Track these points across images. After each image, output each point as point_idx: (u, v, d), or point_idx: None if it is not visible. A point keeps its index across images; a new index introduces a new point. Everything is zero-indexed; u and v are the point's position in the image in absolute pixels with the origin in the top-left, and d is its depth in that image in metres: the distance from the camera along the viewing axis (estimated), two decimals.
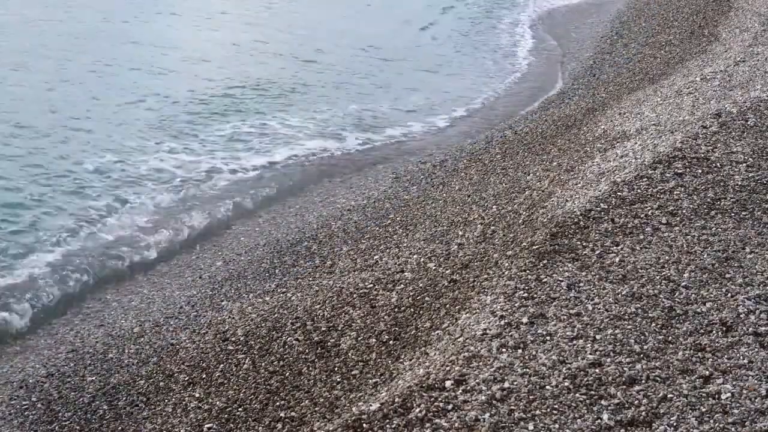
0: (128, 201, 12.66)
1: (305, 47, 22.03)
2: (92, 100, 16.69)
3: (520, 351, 6.40)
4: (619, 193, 9.11)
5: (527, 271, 7.60)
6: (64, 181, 13.02)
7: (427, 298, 8.38)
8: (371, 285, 9.15)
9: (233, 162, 14.51)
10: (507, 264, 8.00)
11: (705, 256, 7.80)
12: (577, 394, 5.91)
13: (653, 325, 6.73)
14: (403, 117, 17.59)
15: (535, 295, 7.17)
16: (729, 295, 7.17)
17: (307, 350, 8.17)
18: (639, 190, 9.15)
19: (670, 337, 6.57)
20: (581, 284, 7.33)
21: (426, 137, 16.71)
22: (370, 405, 6.14)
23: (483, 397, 5.89)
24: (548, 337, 6.56)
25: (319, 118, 16.85)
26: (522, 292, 7.25)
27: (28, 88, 16.78)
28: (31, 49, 19.28)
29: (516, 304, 7.05)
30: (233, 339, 8.82)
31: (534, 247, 8.06)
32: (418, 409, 5.87)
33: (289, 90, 18.41)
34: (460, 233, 10.10)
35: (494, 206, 10.74)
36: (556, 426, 5.64)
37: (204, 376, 8.34)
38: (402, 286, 8.94)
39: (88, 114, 15.90)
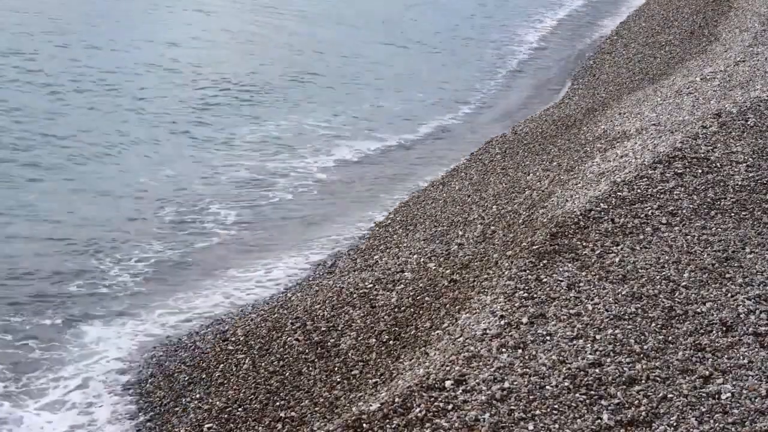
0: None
1: (306, 45, 22.00)
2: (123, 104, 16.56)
3: (520, 351, 6.40)
4: (619, 193, 9.11)
5: (527, 271, 7.60)
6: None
7: (427, 298, 8.38)
8: (371, 285, 9.15)
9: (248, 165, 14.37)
10: (507, 264, 8.00)
11: (705, 256, 7.81)
12: (577, 394, 5.91)
13: (653, 325, 6.74)
14: (422, 113, 17.48)
15: (535, 295, 7.17)
16: (729, 295, 7.17)
17: (307, 350, 8.16)
18: (639, 190, 9.15)
19: (670, 337, 6.57)
20: (581, 284, 7.33)
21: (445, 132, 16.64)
22: (370, 405, 6.14)
23: (483, 397, 5.89)
24: (548, 337, 6.56)
25: (329, 119, 16.75)
26: (522, 292, 7.25)
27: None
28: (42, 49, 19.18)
29: (516, 304, 7.05)
30: (233, 339, 8.82)
31: (534, 247, 8.05)
32: (418, 409, 5.87)
33: (299, 90, 18.32)
34: (460, 233, 10.10)
35: (494, 206, 10.74)
36: (556, 426, 5.64)
37: (204, 376, 8.34)
38: (402, 286, 8.93)
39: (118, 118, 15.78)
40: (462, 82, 19.85)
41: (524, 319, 6.80)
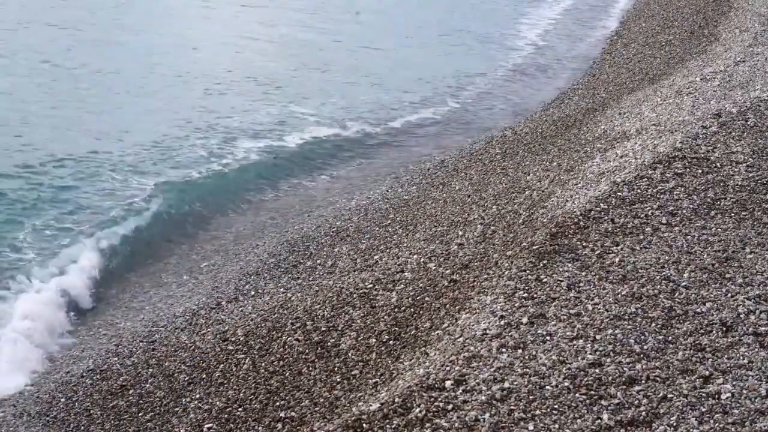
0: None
1: (304, 38, 22.01)
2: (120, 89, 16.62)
3: (520, 351, 6.40)
4: (619, 193, 9.11)
5: (527, 271, 7.60)
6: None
7: (427, 298, 8.38)
8: (371, 285, 9.15)
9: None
10: (507, 264, 8.00)
11: (705, 256, 7.80)
12: (577, 394, 5.91)
13: (653, 325, 6.74)
14: (411, 107, 17.43)
15: (535, 295, 7.17)
16: (729, 295, 7.17)
17: (307, 350, 8.17)
18: (639, 190, 9.15)
19: (670, 337, 6.57)
20: (581, 284, 7.33)
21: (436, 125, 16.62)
22: (370, 405, 6.15)
23: (483, 397, 5.89)
24: (548, 337, 6.56)
25: (323, 109, 16.68)
26: (522, 292, 7.25)
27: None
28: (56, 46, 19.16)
29: (516, 304, 7.05)
30: (233, 339, 8.82)
31: (534, 247, 8.06)
32: (418, 409, 5.87)
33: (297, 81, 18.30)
34: (460, 233, 10.10)
35: (494, 206, 10.74)
36: (556, 426, 5.64)
37: (204, 376, 8.34)
38: (402, 286, 8.94)
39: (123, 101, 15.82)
40: (462, 80, 19.84)
41: (524, 319, 6.80)
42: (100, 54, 19.01)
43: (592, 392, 5.93)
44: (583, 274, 7.50)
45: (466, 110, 17.69)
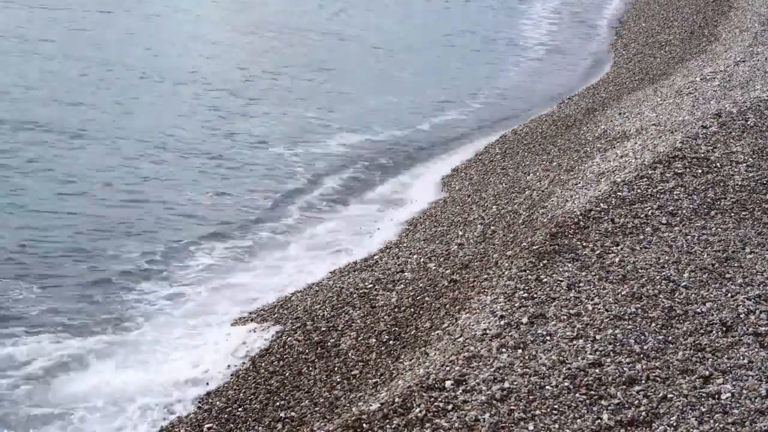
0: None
1: (309, 43, 21.98)
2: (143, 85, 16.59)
3: (520, 351, 6.40)
4: (619, 193, 9.11)
5: (527, 271, 7.60)
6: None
7: (427, 298, 8.38)
8: (371, 285, 9.15)
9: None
10: (507, 264, 8.00)
11: (705, 256, 7.81)
12: (577, 394, 5.91)
13: (653, 325, 6.74)
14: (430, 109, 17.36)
15: (535, 295, 7.18)
16: (729, 295, 7.17)
17: (307, 350, 8.17)
18: (639, 190, 9.16)
19: (670, 337, 6.58)
20: (581, 284, 7.34)
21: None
22: (370, 405, 6.15)
23: (483, 397, 5.89)
24: (548, 337, 6.56)
25: (337, 116, 16.61)
26: (522, 292, 7.25)
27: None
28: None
29: (516, 304, 7.06)
30: None
31: (534, 247, 8.06)
32: (418, 409, 5.87)
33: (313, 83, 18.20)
34: (460, 233, 10.10)
35: (494, 206, 10.74)
36: (556, 426, 5.64)
37: None
38: (402, 286, 8.94)
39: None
40: (480, 81, 19.77)
41: (524, 319, 6.80)
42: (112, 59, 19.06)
43: (592, 392, 5.93)
44: (583, 274, 7.50)
45: (487, 111, 17.66)
